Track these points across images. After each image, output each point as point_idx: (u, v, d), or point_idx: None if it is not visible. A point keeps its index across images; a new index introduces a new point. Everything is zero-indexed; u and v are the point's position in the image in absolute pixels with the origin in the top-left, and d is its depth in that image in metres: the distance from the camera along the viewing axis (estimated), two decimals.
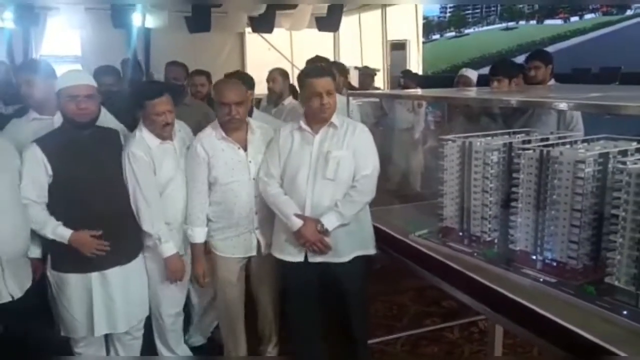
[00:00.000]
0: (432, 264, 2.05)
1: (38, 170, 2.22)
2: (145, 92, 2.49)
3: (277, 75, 3.96)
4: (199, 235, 2.47)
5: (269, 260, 2.54)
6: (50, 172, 2.22)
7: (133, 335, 2.54)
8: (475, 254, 1.97)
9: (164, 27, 8.17)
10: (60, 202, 2.26)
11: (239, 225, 2.47)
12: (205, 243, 2.53)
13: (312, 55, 3.88)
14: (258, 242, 2.52)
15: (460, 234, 2.09)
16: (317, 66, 2.53)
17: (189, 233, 2.47)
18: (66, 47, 9.08)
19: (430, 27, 8.53)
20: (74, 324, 2.37)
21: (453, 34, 8.14)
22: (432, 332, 3.15)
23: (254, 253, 2.53)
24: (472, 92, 3.12)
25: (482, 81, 3.84)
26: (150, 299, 2.56)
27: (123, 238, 2.40)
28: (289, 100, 3.87)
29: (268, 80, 3.94)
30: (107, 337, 2.51)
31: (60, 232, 2.24)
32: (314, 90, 2.27)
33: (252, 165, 2.44)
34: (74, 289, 2.32)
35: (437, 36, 8.43)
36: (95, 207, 2.29)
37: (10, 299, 2.13)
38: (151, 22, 8.17)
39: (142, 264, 2.50)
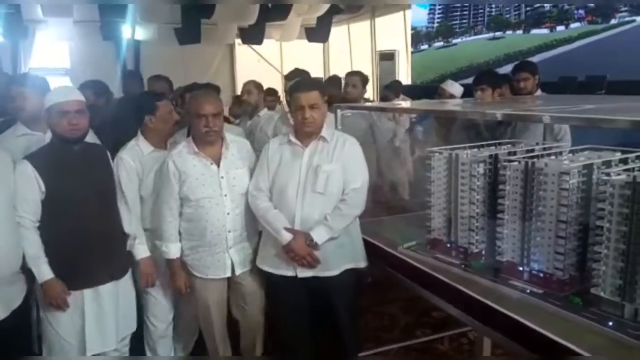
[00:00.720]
0: (420, 276, 2.05)
1: (31, 187, 2.20)
2: (152, 97, 2.64)
3: (252, 87, 4.01)
4: (173, 251, 2.44)
5: (246, 280, 2.52)
6: (43, 188, 2.21)
7: (120, 351, 2.51)
8: (463, 266, 1.98)
9: (153, 40, 8.19)
10: (52, 219, 2.24)
11: (212, 244, 2.42)
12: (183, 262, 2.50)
13: (303, 65, 3.90)
14: (232, 262, 2.46)
15: (448, 245, 2.10)
16: (305, 80, 2.54)
17: (163, 250, 2.44)
18: (55, 59, 9.08)
19: (418, 37, 8.59)
20: (62, 345, 2.33)
21: (441, 43, 8.20)
22: (423, 344, 3.14)
23: (228, 274, 2.48)
24: (459, 105, 3.15)
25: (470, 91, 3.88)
26: (142, 307, 2.58)
27: (116, 253, 2.41)
28: (264, 112, 3.92)
29: (243, 93, 3.97)
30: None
31: (42, 270, 2.22)
32: (298, 104, 2.29)
33: (224, 181, 2.40)
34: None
35: (425, 46, 8.48)
36: (88, 222, 2.28)
37: None
38: (141, 34, 8.19)
39: (131, 279, 2.50)
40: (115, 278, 2.39)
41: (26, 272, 2.24)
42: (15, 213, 2.18)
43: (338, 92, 4.87)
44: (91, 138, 2.62)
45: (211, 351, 2.67)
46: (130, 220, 2.47)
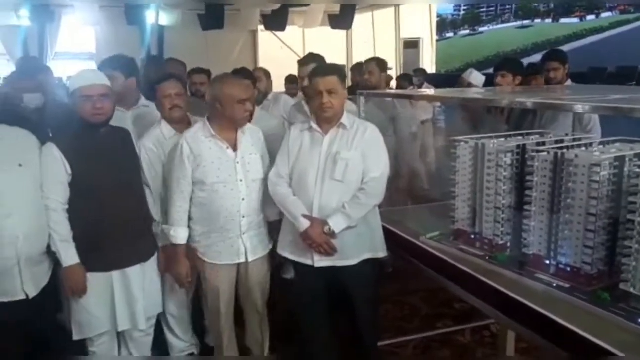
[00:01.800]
0: (444, 267, 2.02)
1: (58, 170, 2.22)
2: (155, 79, 2.63)
3: (262, 74, 4.05)
4: (181, 236, 2.40)
5: (258, 267, 2.50)
6: (69, 171, 2.23)
7: (146, 331, 2.55)
8: (487, 258, 1.95)
9: (177, 25, 8.21)
10: (79, 201, 2.26)
11: (225, 230, 2.39)
12: (192, 248, 2.47)
13: (325, 53, 3.88)
14: (245, 248, 2.44)
15: (472, 237, 2.06)
16: (323, 65, 2.49)
17: (171, 234, 2.40)
18: (81, 44, 9.20)
19: (444, 25, 8.47)
20: (91, 323, 2.36)
21: (467, 32, 8.06)
22: (444, 335, 3.10)
23: (241, 260, 2.45)
24: (485, 93, 3.09)
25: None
26: None
27: (142, 235, 2.43)
28: (272, 95, 3.99)
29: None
30: (119, 336, 2.51)
31: (68, 255, 2.22)
32: (316, 89, 2.27)
33: (239, 167, 2.37)
34: (94, 288, 2.31)
35: (451, 34, 8.36)
36: (114, 205, 2.29)
37: (25, 297, 2.14)
38: (165, 19, 8.22)
39: (157, 261, 2.52)
40: (143, 260, 2.41)
41: (52, 252, 2.27)
42: (43, 196, 2.20)
43: (362, 79, 4.84)
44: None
45: (215, 339, 2.67)
46: (155, 207, 2.50)
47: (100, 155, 2.30)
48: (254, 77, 3.43)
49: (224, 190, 2.35)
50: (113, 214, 2.29)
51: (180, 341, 2.81)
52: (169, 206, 2.43)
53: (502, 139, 2.05)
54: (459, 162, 2.11)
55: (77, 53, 9.35)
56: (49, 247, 2.24)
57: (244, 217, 2.39)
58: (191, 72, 3.96)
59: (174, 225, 2.40)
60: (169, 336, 2.80)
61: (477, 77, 4.11)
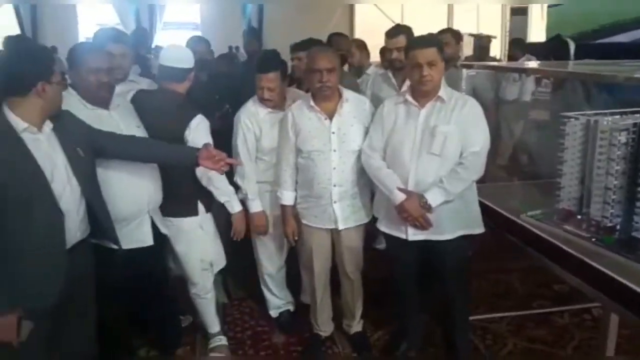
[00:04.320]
0: (545, 246, 1.97)
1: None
2: (258, 65, 2.64)
3: (355, 47, 3.96)
4: (286, 197, 2.57)
5: (349, 236, 2.56)
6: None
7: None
8: (594, 240, 1.88)
9: None
10: None
11: (319, 196, 2.49)
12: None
13: (425, 21, 3.78)
14: (336, 216, 2.50)
15: (579, 217, 1.98)
16: (422, 36, 2.43)
17: (278, 195, 2.59)
18: (187, 14, 9.70)
19: None
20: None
21: None
22: (540, 315, 3.00)
23: (332, 226, 2.53)
24: (596, 66, 2.89)
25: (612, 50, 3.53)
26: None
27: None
28: (371, 69, 3.83)
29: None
30: None
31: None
32: (415, 61, 2.21)
33: (334, 137, 2.42)
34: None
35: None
36: None
37: (152, 243, 2.39)
38: None
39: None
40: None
41: None
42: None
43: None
44: None
45: (310, 297, 2.81)
46: (243, 176, 2.64)
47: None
48: (341, 48, 3.37)
49: (318, 159, 2.44)
50: None
51: (276, 298, 3.00)
52: (277, 169, 2.60)
53: (617, 116, 1.94)
54: (568, 139, 2.02)
55: (184, 23, 9.83)
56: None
57: (335, 185, 2.46)
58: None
59: (280, 188, 2.58)
60: (266, 293, 2.99)
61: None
